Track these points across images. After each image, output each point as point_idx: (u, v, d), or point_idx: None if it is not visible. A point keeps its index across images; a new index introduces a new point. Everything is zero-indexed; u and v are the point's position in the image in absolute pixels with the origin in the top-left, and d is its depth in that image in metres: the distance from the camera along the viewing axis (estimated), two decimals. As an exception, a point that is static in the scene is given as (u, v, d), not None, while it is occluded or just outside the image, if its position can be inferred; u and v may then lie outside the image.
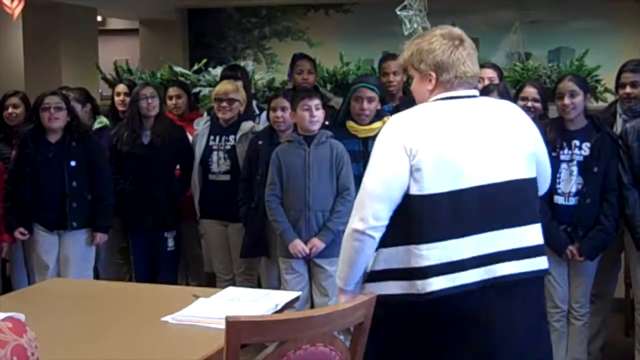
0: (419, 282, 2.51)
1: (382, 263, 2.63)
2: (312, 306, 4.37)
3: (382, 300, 2.51)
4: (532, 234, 2.63)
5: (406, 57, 2.72)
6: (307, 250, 4.31)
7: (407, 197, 2.54)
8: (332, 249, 4.30)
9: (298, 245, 4.32)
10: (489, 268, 2.53)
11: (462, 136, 2.56)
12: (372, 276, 2.68)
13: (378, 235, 2.59)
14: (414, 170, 2.51)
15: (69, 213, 4.66)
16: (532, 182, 2.67)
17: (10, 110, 5.20)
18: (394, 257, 2.59)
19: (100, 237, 4.81)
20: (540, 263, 2.64)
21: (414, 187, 2.52)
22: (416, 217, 2.52)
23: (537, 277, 2.67)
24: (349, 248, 2.67)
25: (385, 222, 2.56)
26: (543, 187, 2.82)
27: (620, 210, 4.22)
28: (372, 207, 2.56)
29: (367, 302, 2.43)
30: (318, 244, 4.31)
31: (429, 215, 2.51)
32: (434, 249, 2.50)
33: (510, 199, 2.58)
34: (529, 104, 4.60)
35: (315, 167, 4.29)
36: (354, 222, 2.61)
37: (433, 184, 2.50)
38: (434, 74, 2.63)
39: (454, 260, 2.50)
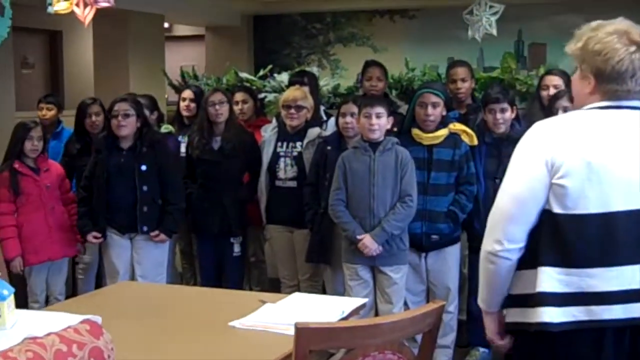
0: (544, 310, 2.20)
1: (515, 287, 2.35)
2: (377, 314, 4.34)
3: (513, 330, 2.37)
4: None
5: (572, 48, 2.33)
6: (380, 249, 4.27)
7: (549, 215, 2.23)
8: (397, 256, 4.31)
9: (367, 241, 4.25)
10: (635, 306, 2.16)
11: (617, 151, 2.19)
12: (507, 301, 2.40)
13: (514, 256, 2.30)
14: (556, 187, 2.20)
15: (140, 217, 4.72)
16: None
17: (93, 118, 5.28)
18: (528, 280, 2.27)
19: (161, 238, 4.80)
20: None
21: (555, 205, 2.21)
22: (559, 239, 2.21)
23: None
24: (484, 270, 2.39)
25: (522, 243, 2.27)
26: None
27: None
28: (505, 228, 2.29)
29: (435, 310, 2.42)
30: (369, 242, 4.25)
31: (572, 238, 2.20)
32: (575, 275, 2.19)
33: None
34: None
35: (380, 174, 4.26)
36: (487, 244, 2.34)
37: (579, 203, 2.18)
38: (593, 79, 2.27)
39: (597, 291, 2.17)
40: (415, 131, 4.48)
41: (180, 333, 2.82)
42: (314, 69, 6.73)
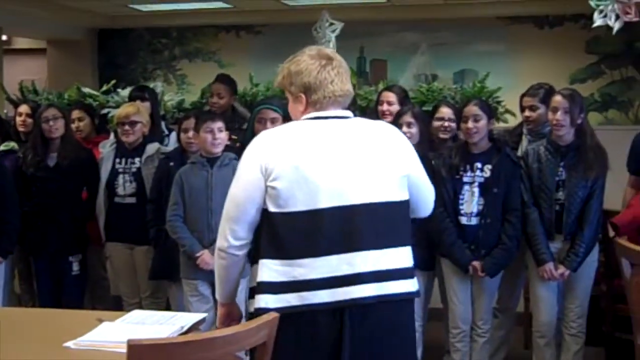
0: (262, 297, 2.54)
1: (251, 281, 2.67)
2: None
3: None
4: (396, 257, 2.61)
5: (279, 80, 2.76)
6: None
7: (266, 214, 2.58)
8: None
9: (206, 257, 4.29)
10: (344, 290, 2.51)
11: (323, 156, 2.57)
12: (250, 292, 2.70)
13: (240, 252, 2.68)
14: (269, 189, 2.55)
15: None
16: (401, 205, 2.66)
17: None
18: (256, 273, 2.60)
19: None
20: (403, 286, 2.61)
21: (271, 205, 2.55)
22: (274, 234, 2.56)
23: (399, 300, 2.62)
24: (216, 265, 2.78)
25: (246, 240, 2.66)
26: (421, 210, 2.82)
27: (522, 228, 4.36)
28: (230, 227, 2.66)
29: (269, 322, 2.45)
30: (207, 258, 4.27)
31: (285, 233, 2.54)
32: (288, 266, 2.53)
33: (373, 220, 2.57)
34: (445, 123, 4.71)
35: (217, 189, 4.28)
36: (218, 242, 2.71)
37: (289, 202, 2.53)
38: (303, 95, 2.66)
39: (306, 279, 2.51)
40: (255, 147, 4.52)
41: (9, 356, 2.72)
42: (159, 84, 6.68)
